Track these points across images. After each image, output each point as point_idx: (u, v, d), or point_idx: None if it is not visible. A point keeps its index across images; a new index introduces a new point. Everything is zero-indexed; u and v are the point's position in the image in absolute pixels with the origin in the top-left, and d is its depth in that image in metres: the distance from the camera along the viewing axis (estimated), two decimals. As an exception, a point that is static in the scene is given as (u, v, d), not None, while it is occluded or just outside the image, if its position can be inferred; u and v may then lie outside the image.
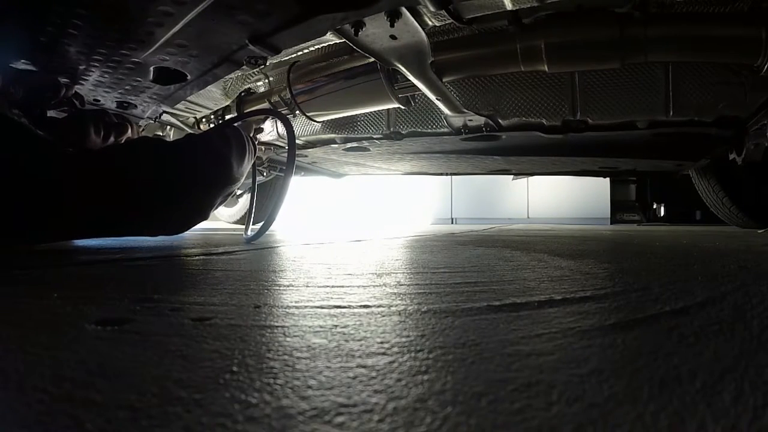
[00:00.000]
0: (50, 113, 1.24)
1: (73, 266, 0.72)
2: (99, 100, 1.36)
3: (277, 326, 0.35)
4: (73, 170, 0.86)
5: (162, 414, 0.21)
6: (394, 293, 0.49)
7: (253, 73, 1.44)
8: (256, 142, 1.27)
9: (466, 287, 0.52)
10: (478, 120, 1.35)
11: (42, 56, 1.09)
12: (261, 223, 1.30)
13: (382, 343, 0.31)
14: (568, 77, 1.19)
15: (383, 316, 0.38)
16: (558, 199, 4.70)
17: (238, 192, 1.18)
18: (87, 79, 1.21)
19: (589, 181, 4.29)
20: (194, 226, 1.07)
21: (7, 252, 0.87)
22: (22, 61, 1.11)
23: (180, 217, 1.01)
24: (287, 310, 0.41)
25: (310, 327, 0.35)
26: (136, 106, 1.40)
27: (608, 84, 1.17)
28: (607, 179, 4.11)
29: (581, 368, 0.26)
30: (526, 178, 4.47)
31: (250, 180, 1.19)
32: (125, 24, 0.92)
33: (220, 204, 1.08)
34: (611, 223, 4.40)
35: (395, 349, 0.30)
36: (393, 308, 0.41)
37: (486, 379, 0.24)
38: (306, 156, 1.94)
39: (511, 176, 3.09)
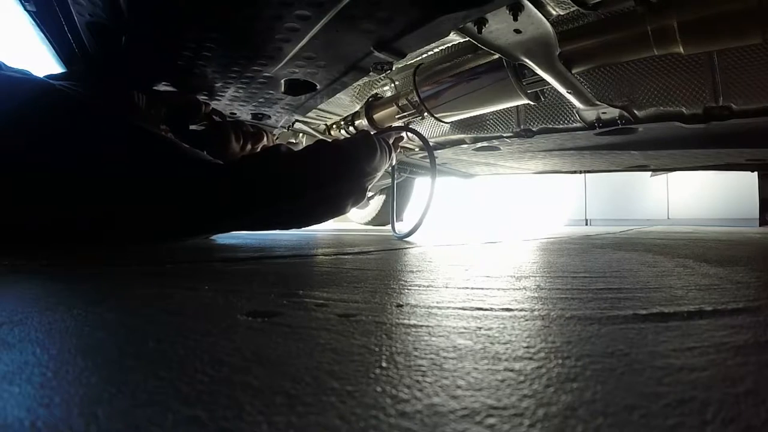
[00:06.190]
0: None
1: (219, 262, 0.79)
2: (235, 113, 1.48)
3: (422, 325, 0.36)
4: (215, 179, 0.95)
5: (317, 402, 0.22)
6: (535, 297, 0.48)
7: (380, 78, 1.47)
8: (397, 149, 1.33)
9: (609, 293, 0.49)
10: (612, 112, 1.26)
11: (180, 78, 1.20)
12: (415, 223, 1.47)
13: (527, 347, 0.30)
14: (706, 58, 1.06)
15: (526, 320, 0.38)
16: (701, 197, 4.27)
17: (369, 194, 1.21)
18: (223, 95, 1.32)
19: (734, 176, 3.87)
20: (327, 219, 1.15)
21: (153, 249, 0.97)
22: (163, 83, 1.24)
23: (309, 212, 1.08)
24: (429, 310, 0.41)
25: (453, 328, 0.35)
26: (269, 116, 1.50)
27: (752, 63, 1.01)
28: (755, 174, 3.66)
29: (737, 387, 0.24)
30: (665, 175, 4.13)
31: (381, 183, 1.24)
32: (255, 42, 0.98)
33: (352, 203, 1.13)
34: (760, 225, 3.90)
35: (541, 354, 0.29)
36: (536, 312, 0.40)
37: (637, 391, 0.23)
38: (436, 157, 1.94)
39: (649, 173, 2.90)
